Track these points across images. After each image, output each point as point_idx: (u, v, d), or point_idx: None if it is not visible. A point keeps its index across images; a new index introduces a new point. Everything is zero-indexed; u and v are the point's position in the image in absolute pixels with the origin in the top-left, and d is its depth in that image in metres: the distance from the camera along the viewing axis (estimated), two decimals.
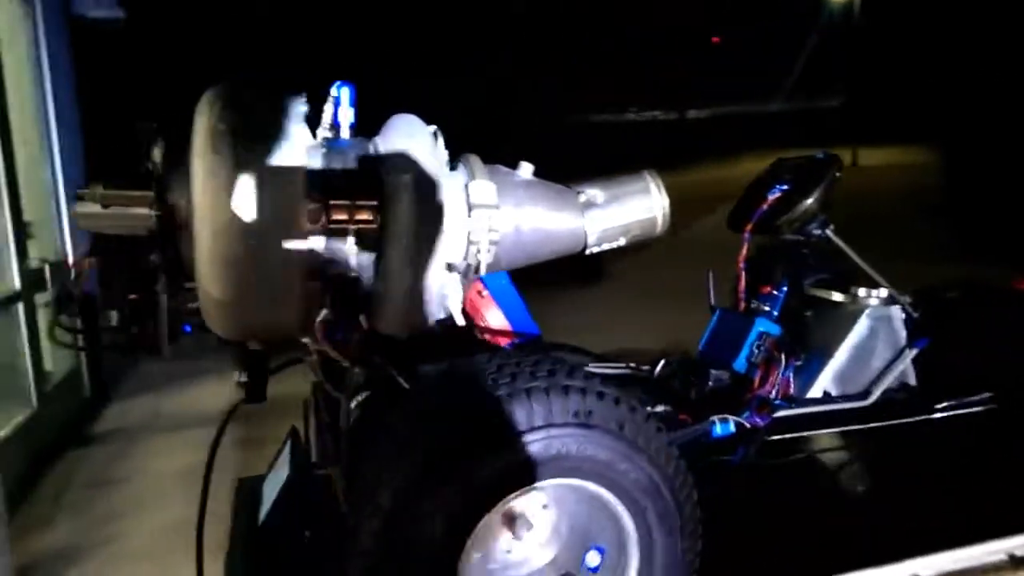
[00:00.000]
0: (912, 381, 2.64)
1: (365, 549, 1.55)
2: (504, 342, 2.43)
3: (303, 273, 1.57)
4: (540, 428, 1.57)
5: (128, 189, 1.61)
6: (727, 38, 22.65)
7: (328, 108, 1.78)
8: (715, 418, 2.36)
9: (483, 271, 1.77)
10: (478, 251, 1.73)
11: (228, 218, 1.47)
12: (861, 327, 2.59)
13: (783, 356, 2.54)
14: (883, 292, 2.65)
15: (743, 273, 2.79)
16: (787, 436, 2.41)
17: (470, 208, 1.71)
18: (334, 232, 1.61)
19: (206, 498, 1.90)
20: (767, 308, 2.72)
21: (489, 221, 1.70)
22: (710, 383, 2.57)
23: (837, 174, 2.67)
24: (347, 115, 1.75)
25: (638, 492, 1.65)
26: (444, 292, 1.73)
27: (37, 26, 4.49)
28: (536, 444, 1.57)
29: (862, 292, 2.62)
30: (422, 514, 1.53)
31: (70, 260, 4.62)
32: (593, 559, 1.76)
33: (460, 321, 1.77)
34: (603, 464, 1.62)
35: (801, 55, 20.83)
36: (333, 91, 1.77)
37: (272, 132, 1.52)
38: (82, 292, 2.22)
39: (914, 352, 2.59)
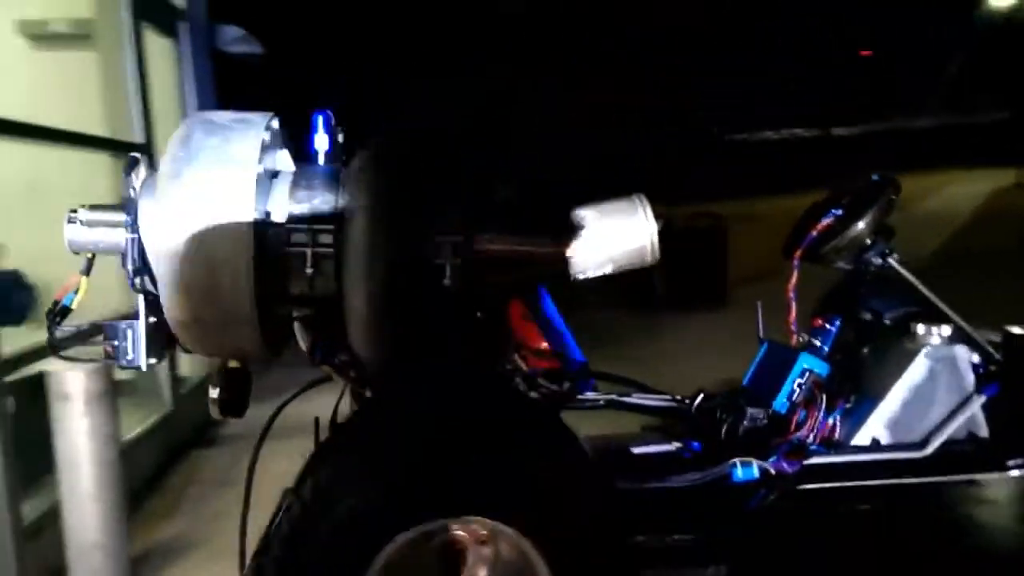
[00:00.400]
0: (983, 432, 2.34)
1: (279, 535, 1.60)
2: (545, 366, 2.39)
3: (258, 299, 1.59)
4: None
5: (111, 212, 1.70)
6: (878, 51, 21.30)
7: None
8: (737, 460, 2.21)
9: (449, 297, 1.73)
10: (445, 277, 1.70)
11: (176, 244, 1.52)
12: (917, 368, 2.34)
13: (825, 397, 2.34)
14: (946, 329, 2.37)
15: (792, 303, 2.58)
16: (826, 485, 2.21)
17: (433, 233, 1.68)
18: (294, 257, 1.63)
19: (248, 505, 2.14)
20: (817, 343, 2.51)
21: (451, 248, 1.67)
22: (745, 422, 2.40)
23: (892, 198, 2.44)
24: (322, 142, 1.78)
25: None
26: (415, 316, 1.71)
27: (184, 59, 4.96)
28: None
29: (921, 329, 2.37)
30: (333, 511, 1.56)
31: None
32: None
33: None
34: None
35: (958, 66, 19.27)
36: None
37: (223, 160, 1.56)
38: None
39: (982, 399, 2.31)
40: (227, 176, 1.55)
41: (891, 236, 2.50)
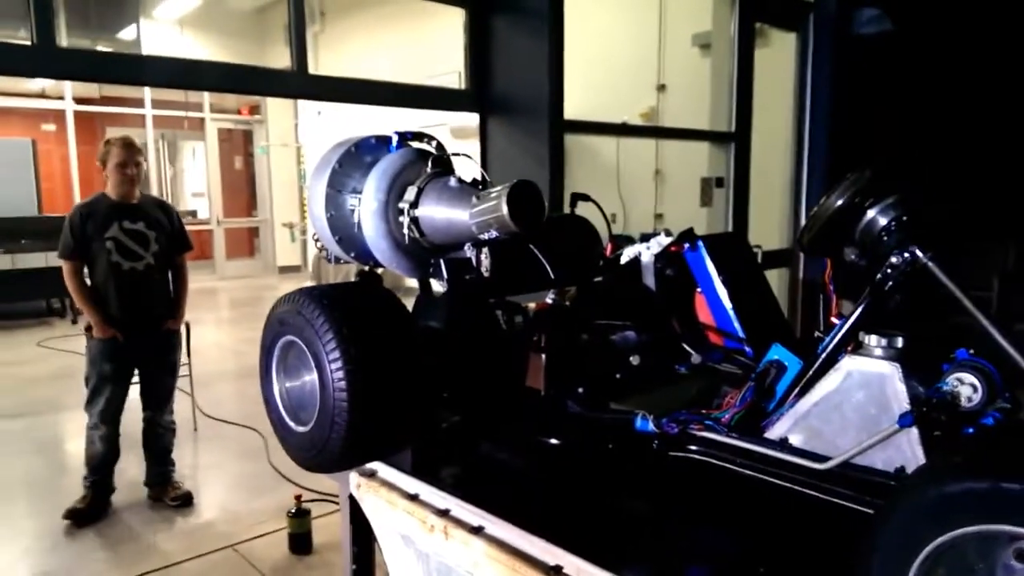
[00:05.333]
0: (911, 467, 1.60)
1: None
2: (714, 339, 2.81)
3: None
4: None
5: None
6: None
7: None
8: (642, 412, 2.26)
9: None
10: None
11: None
12: (834, 377, 1.81)
13: (756, 385, 2.03)
14: (898, 342, 1.69)
15: (832, 296, 2.11)
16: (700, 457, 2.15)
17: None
18: None
19: None
20: (820, 336, 2.02)
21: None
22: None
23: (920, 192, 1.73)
24: None
25: None
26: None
27: (807, 45, 5.72)
28: None
29: (867, 337, 1.77)
30: None
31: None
32: None
33: None
34: None
35: None
36: None
37: None
38: None
39: (895, 429, 1.65)
40: None
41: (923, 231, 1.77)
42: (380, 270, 1.92)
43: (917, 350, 1.48)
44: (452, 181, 1.71)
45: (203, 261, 15.45)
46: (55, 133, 13.84)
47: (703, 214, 5.55)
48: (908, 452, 1.45)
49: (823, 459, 1.45)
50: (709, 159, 5.58)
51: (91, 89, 13.37)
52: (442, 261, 1.80)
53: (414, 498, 1.74)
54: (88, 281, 4.32)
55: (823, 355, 1.61)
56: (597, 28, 6.32)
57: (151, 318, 4.42)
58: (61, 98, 13.10)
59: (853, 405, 1.49)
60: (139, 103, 13.93)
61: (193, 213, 16.76)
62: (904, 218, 1.61)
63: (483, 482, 1.77)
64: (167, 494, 4.58)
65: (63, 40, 3.45)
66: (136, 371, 4.52)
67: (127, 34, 12.94)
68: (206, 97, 14.51)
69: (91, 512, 4.34)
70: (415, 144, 1.89)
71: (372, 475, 1.88)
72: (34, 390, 7.36)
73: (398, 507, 1.75)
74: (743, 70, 5.36)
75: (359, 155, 1.85)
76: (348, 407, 1.45)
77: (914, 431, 1.38)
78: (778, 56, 5.70)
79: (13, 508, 4.77)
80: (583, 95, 5.17)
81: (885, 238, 1.62)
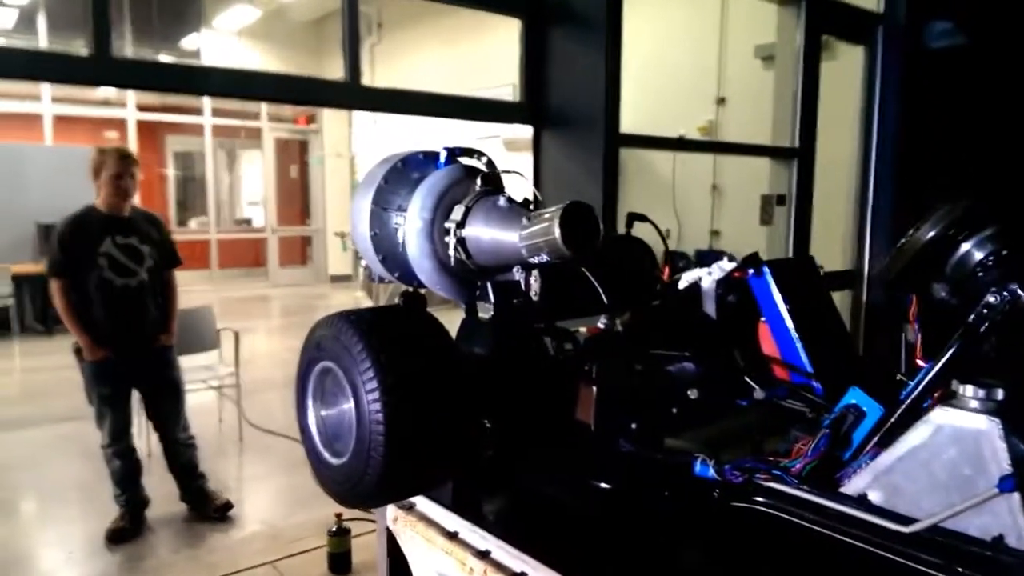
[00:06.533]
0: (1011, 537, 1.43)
1: None
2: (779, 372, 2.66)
3: None
4: None
5: None
6: None
7: None
8: (702, 456, 2.12)
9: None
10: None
11: None
12: (921, 431, 1.66)
13: (830, 433, 1.88)
14: (997, 394, 1.53)
15: (917, 336, 1.94)
16: (772, 511, 2.03)
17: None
18: None
19: None
20: (903, 379, 1.85)
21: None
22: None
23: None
24: None
25: None
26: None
27: (875, 59, 5.50)
28: None
29: (961, 387, 1.61)
30: None
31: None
32: None
33: None
34: None
35: None
36: None
37: None
38: None
39: (993, 493, 1.50)
40: None
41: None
42: (424, 291, 1.83)
43: (1019, 403, 1.32)
44: (502, 200, 1.61)
45: (257, 269, 15.67)
46: (117, 141, 14.20)
47: (763, 232, 5.36)
48: (1008, 519, 1.29)
49: (908, 521, 1.30)
50: (770, 176, 5.39)
51: (154, 98, 13.69)
52: (489, 284, 1.69)
53: (453, 536, 1.64)
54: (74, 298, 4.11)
55: (907, 402, 1.46)
56: (655, 38, 6.19)
57: (143, 337, 4.27)
58: (124, 106, 13.43)
59: (944, 463, 1.33)
60: (199, 112, 14.21)
61: (248, 221, 17.04)
62: (1003, 252, 1.45)
63: (527, 521, 1.65)
64: (208, 506, 4.55)
65: (128, 50, 3.46)
66: (137, 392, 4.41)
67: (189, 44, 13.21)
68: (263, 107, 14.74)
69: (130, 529, 4.31)
70: (464, 160, 1.80)
71: (410, 508, 1.78)
72: (82, 394, 7.46)
73: (436, 545, 1.65)
74: (808, 83, 5.16)
75: (406, 171, 1.76)
76: (385, 440, 1.35)
77: (1016, 496, 1.22)
78: (845, 70, 5.48)
79: (62, 512, 4.81)
80: (639, 108, 5.05)
81: (980, 274, 1.46)
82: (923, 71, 5.28)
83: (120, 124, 13.51)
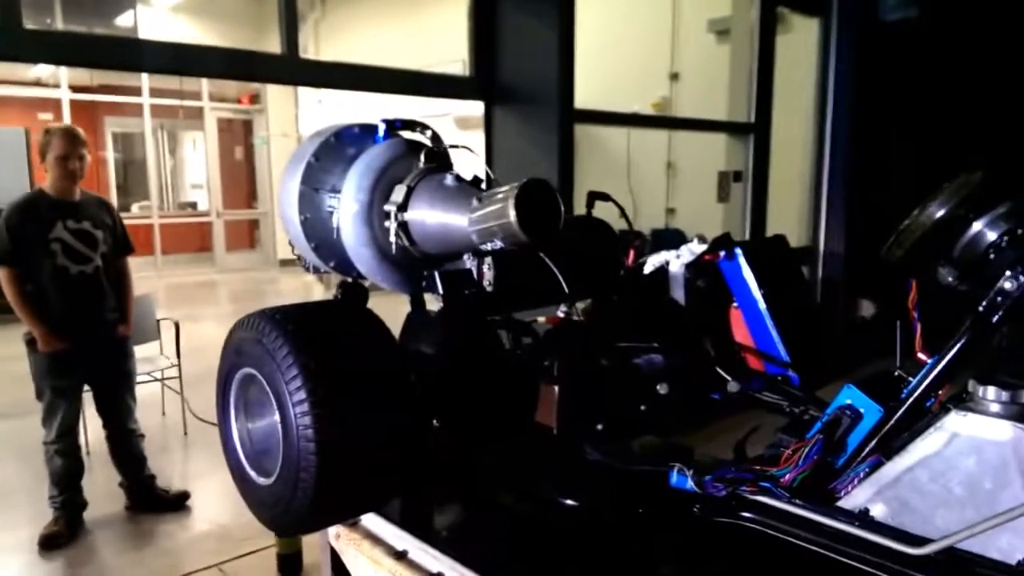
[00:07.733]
0: None
1: None
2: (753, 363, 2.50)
3: None
4: None
5: None
6: None
7: None
8: (679, 465, 1.97)
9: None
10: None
11: None
12: (935, 439, 1.51)
13: (824, 439, 1.73)
14: (1022, 396, 1.39)
15: (916, 324, 1.80)
16: (761, 528, 1.88)
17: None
18: None
19: None
20: (902, 375, 1.72)
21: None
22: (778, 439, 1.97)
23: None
24: None
25: None
26: None
27: (830, 31, 5.41)
28: None
29: (979, 388, 1.46)
30: None
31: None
32: None
33: None
34: None
35: None
36: None
37: None
38: None
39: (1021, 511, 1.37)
40: None
41: None
42: (367, 282, 1.64)
43: None
44: (449, 179, 1.43)
45: (203, 254, 15.19)
46: (51, 122, 13.55)
47: (719, 210, 5.26)
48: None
49: (918, 541, 1.16)
50: (726, 152, 5.29)
51: (89, 76, 13.10)
52: (436, 273, 1.51)
53: (402, 556, 1.47)
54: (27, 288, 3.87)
55: (908, 402, 1.31)
56: (607, 12, 6.02)
57: (102, 325, 4.05)
58: (57, 86, 12.83)
59: (960, 475, 1.19)
60: (136, 91, 13.65)
61: (193, 205, 16.49)
62: (1020, 231, 1.29)
63: (485, 540, 1.49)
64: (159, 499, 4.35)
65: (58, 24, 3.17)
66: (88, 384, 4.17)
67: (125, 20, 12.67)
68: (204, 85, 14.22)
69: (65, 534, 4.03)
70: (406, 134, 1.61)
71: (354, 524, 1.60)
72: (22, 390, 7.10)
73: (383, 567, 1.48)
74: (764, 57, 5.06)
75: (340, 147, 1.57)
76: (316, 459, 1.17)
77: None
78: (800, 43, 5.39)
79: None
80: (592, 84, 4.88)
81: (993, 256, 1.31)
82: (878, 43, 5.22)
83: (55, 104, 12.90)
